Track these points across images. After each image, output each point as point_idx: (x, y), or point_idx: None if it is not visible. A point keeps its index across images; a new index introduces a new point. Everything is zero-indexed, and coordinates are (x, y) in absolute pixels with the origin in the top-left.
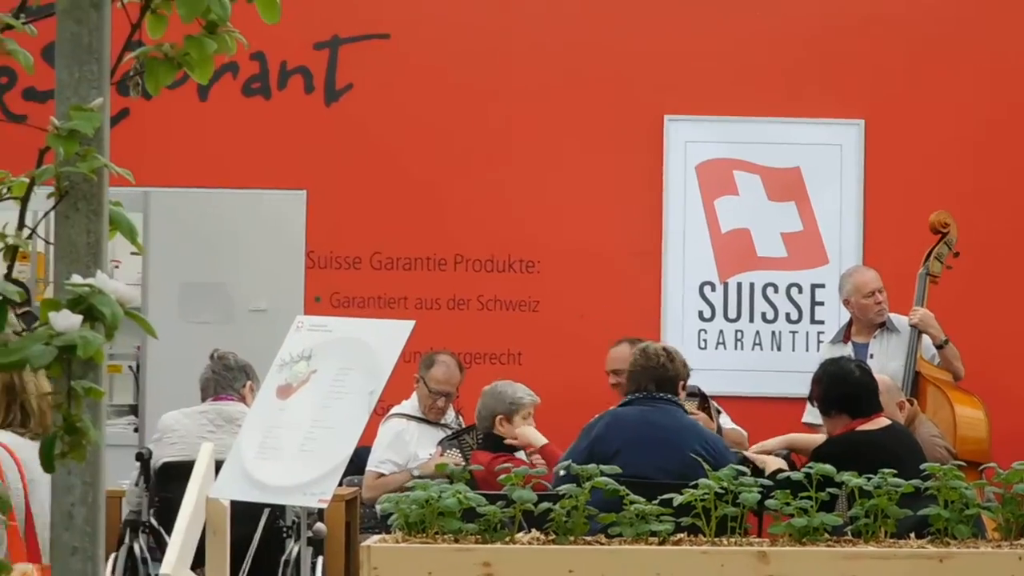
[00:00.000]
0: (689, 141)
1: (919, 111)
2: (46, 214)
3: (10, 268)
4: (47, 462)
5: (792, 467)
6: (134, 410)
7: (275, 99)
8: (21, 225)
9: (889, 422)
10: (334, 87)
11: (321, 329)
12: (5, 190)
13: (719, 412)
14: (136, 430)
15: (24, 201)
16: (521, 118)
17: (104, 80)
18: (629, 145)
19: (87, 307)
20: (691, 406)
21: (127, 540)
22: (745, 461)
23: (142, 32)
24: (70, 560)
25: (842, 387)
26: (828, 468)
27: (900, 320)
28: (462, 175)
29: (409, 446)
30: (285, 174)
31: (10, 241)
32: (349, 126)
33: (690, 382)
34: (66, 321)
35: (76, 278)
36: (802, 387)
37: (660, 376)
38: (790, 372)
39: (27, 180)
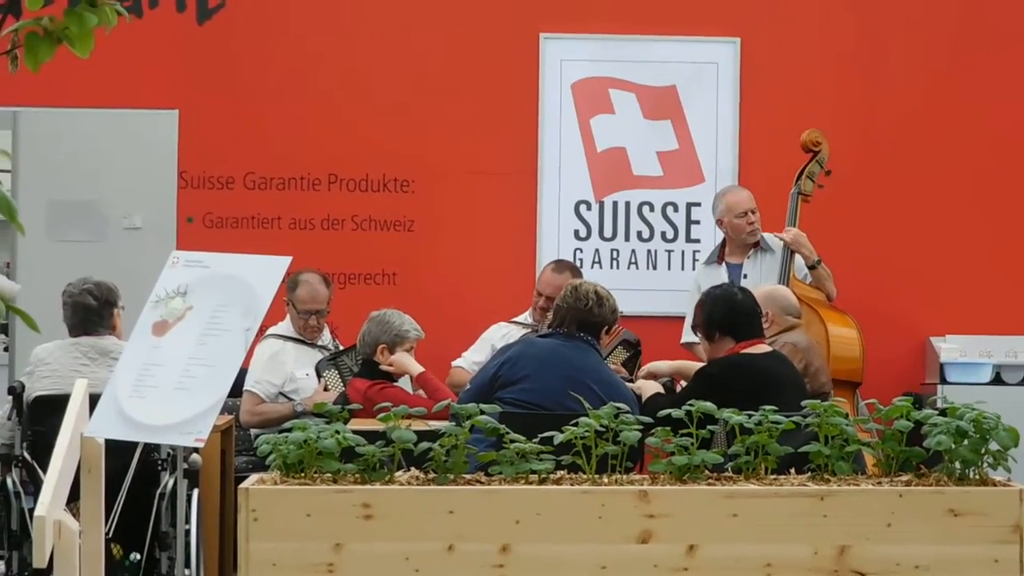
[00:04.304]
0: (564, 59)
1: (794, 30)
2: None
3: None
4: None
5: (672, 394)
6: (4, 329)
7: (147, 17)
8: None
9: (770, 348)
10: (206, 5)
11: (197, 265)
12: None
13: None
14: (6, 349)
15: None
16: (395, 36)
17: None
18: (504, 63)
19: None
20: (619, 356)
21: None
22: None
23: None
24: None
25: (726, 311)
26: (709, 406)
27: (774, 240)
28: (335, 94)
29: (286, 366)
30: (157, 94)
31: None
32: (221, 45)
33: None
34: None
35: None
36: (678, 306)
37: (584, 319)
38: (666, 291)
39: None
